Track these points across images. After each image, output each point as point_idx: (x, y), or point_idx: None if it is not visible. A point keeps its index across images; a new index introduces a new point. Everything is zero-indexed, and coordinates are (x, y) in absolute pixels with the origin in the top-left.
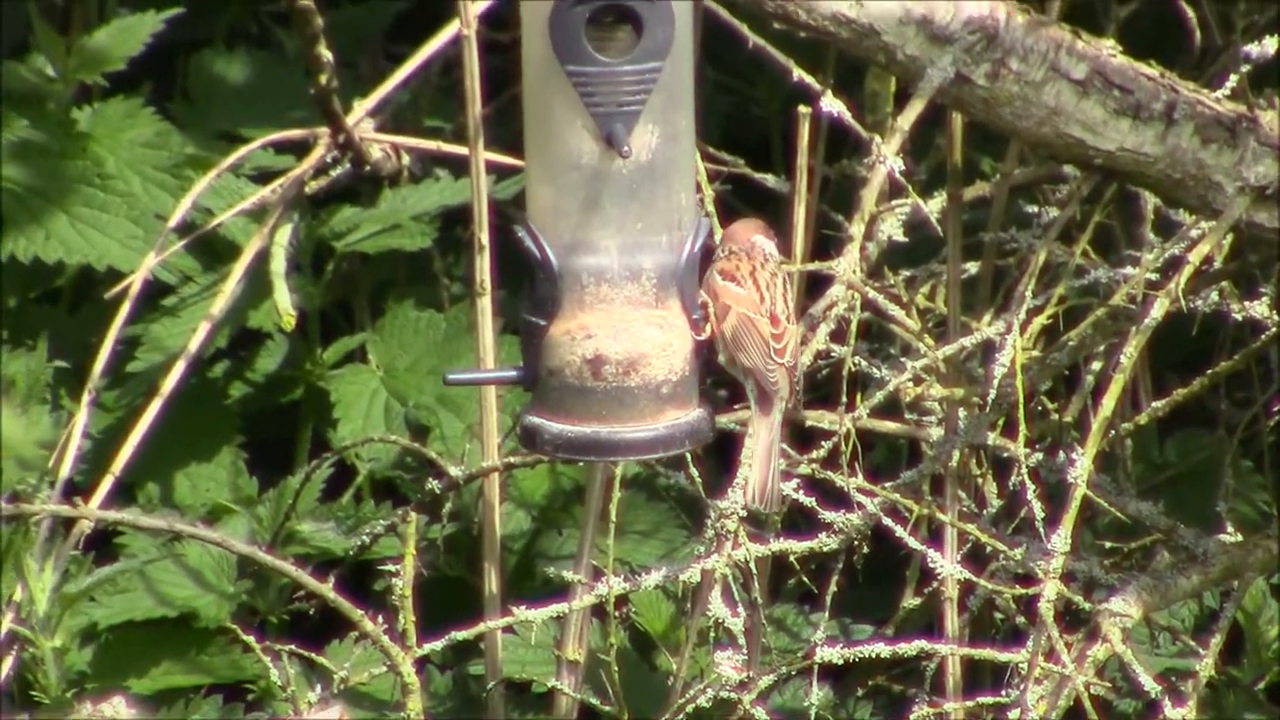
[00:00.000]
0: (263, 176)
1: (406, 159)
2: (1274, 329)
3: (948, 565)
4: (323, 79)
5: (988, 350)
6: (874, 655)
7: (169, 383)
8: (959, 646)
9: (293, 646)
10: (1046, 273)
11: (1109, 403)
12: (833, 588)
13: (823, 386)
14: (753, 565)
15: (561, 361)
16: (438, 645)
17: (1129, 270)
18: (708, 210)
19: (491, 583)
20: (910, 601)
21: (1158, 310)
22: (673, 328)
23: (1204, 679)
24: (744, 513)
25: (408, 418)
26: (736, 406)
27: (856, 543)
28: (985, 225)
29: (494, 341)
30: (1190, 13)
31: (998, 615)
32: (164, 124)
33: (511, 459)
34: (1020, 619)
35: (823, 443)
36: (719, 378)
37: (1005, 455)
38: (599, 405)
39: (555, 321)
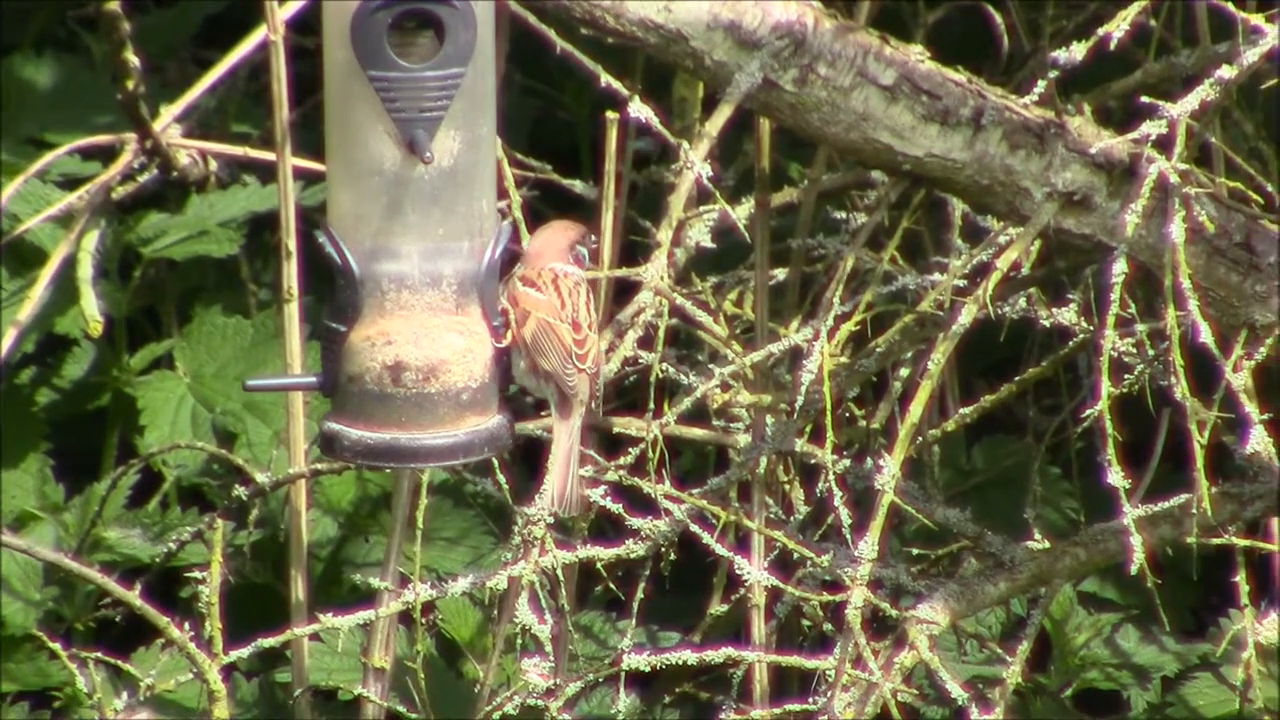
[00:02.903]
0: (70, 182)
1: (214, 165)
2: (1082, 335)
3: (755, 572)
4: (130, 84)
5: (795, 356)
6: (681, 662)
7: None
8: (766, 653)
9: (99, 654)
10: (854, 279)
11: (916, 409)
12: (640, 594)
13: (630, 393)
14: (560, 572)
15: (361, 368)
16: (244, 652)
17: (937, 276)
18: (515, 216)
19: (298, 590)
20: (717, 608)
21: (965, 317)
22: (473, 334)
23: (1011, 686)
24: (551, 519)
25: (215, 424)
26: (543, 413)
27: (664, 549)
28: (793, 231)
29: (301, 348)
30: (998, 18)
31: (805, 622)
32: None
33: (318, 465)
34: (827, 626)
35: (630, 449)
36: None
37: (813, 462)
38: (399, 412)
39: (355, 327)
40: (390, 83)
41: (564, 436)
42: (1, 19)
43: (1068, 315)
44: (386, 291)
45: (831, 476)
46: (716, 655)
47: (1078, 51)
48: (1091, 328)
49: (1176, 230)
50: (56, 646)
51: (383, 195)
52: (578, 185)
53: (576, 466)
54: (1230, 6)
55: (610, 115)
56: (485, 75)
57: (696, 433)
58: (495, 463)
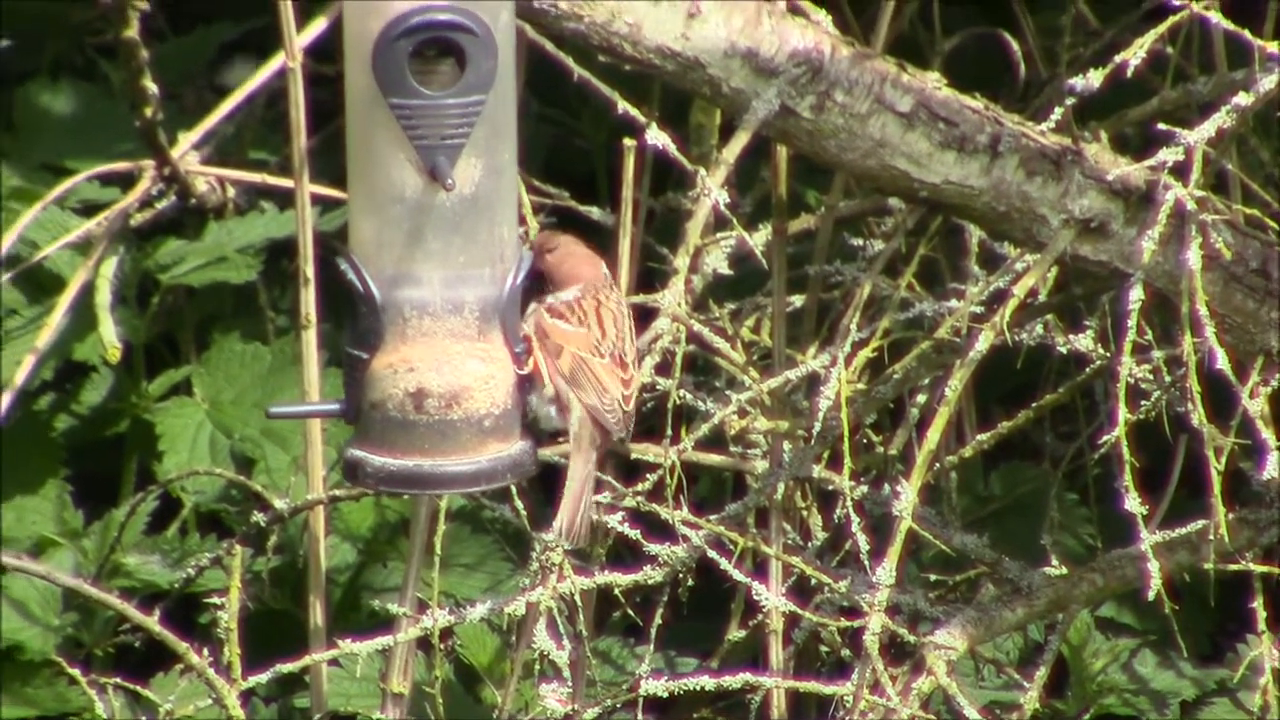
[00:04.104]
0: (88, 209)
1: (232, 191)
2: (1098, 362)
3: (773, 598)
4: (148, 111)
5: (813, 383)
6: (699, 688)
7: None
8: (784, 679)
9: (118, 679)
10: (871, 306)
11: (934, 435)
12: (658, 620)
13: (648, 419)
14: (578, 598)
15: (384, 395)
16: (263, 678)
17: (954, 303)
18: (532, 243)
19: (317, 615)
20: (735, 634)
21: (982, 343)
22: (495, 361)
23: (1029, 711)
24: (568, 545)
25: (233, 450)
26: (560, 439)
27: (681, 575)
28: (810, 258)
29: (319, 374)
30: (1015, 46)
31: (823, 648)
32: None
33: (337, 492)
34: (845, 651)
35: (648, 475)
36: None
37: (830, 488)
38: (421, 438)
39: (377, 354)
40: (412, 110)
41: (580, 467)
42: (19, 47)
43: (1085, 342)
44: (408, 318)
45: (849, 502)
46: (734, 681)
47: (1095, 79)
48: (1108, 354)
49: (1193, 257)
50: (75, 672)
51: (404, 222)
52: (595, 212)
53: (590, 499)
54: (1247, 34)
55: (627, 142)
56: (506, 102)
57: (714, 459)
58: (513, 489)
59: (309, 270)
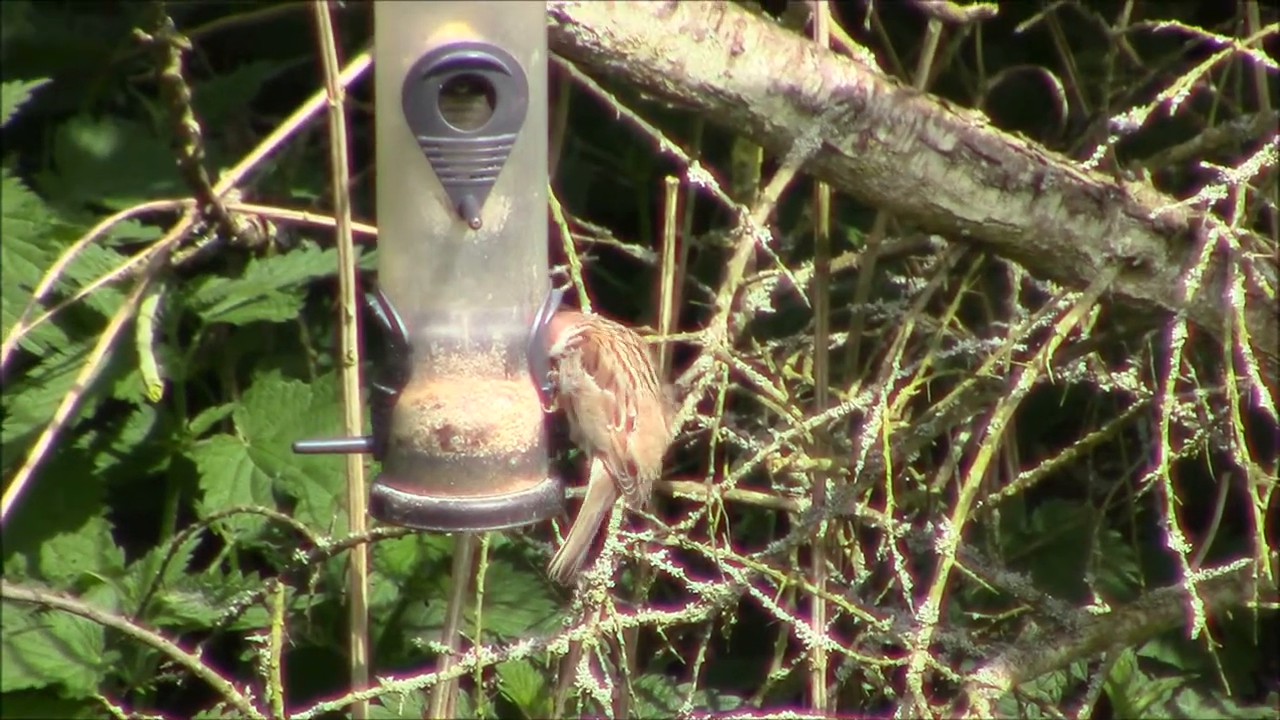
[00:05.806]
0: (129, 247)
1: (273, 229)
2: (1141, 400)
3: (816, 636)
4: (189, 149)
5: (855, 421)
6: None
7: (36, 453)
8: (827, 717)
9: (160, 717)
10: (914, 343)
11: (976, 473)
12: (700, 658)
13: (690, 457)
14: (620, 636)
15: (411, 431)
16: (305, 715)
17: (996, 341)
18: (575, 281)
19: (359, 653)
20: (778, 672)
21: (1025, 381)
22: (522, 399)
23: None
24: (561, 583)
25: (275, 488)
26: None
27: (724, 613)
28: (853, 296)
29: (361, 412)
30: (1058, 84)
31: (866, 686)
32: (30, 195)
33: (379, 530)
34: (888, 690)
35: (690, 513)
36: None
37: (873, 526)
38: (448, 475)
39: (405, 391)
40: (441, 148)
41: (595, 511)
42: (60, 85)
43: (1127, 380)
44: (436, 355)
45: (892, 540)
46: (777, 719)
47: (1137, 117)
48: (1151, 392)
49: (1236, 295)
50: (118, 710)
51: (433, 259)
52: (637, 250)
53: (589, 543)
54: None
55: (670, 180)
56: (537, 140)
57: (756, 496)
58: (555, 527)
59: (351, 308)
